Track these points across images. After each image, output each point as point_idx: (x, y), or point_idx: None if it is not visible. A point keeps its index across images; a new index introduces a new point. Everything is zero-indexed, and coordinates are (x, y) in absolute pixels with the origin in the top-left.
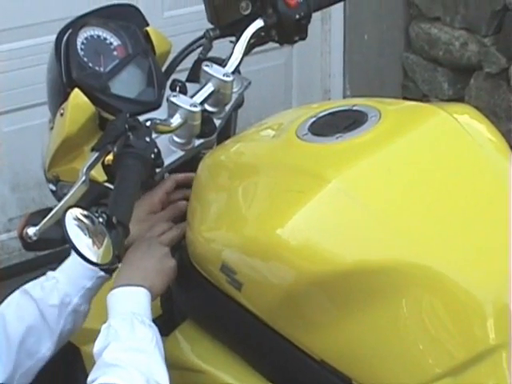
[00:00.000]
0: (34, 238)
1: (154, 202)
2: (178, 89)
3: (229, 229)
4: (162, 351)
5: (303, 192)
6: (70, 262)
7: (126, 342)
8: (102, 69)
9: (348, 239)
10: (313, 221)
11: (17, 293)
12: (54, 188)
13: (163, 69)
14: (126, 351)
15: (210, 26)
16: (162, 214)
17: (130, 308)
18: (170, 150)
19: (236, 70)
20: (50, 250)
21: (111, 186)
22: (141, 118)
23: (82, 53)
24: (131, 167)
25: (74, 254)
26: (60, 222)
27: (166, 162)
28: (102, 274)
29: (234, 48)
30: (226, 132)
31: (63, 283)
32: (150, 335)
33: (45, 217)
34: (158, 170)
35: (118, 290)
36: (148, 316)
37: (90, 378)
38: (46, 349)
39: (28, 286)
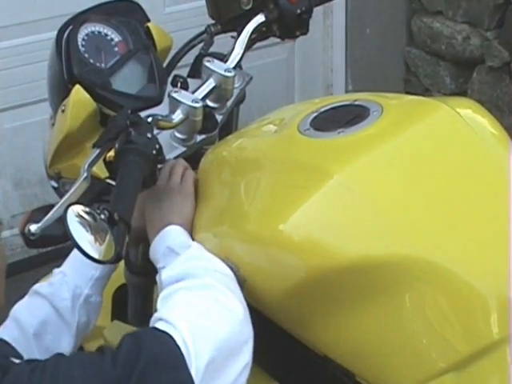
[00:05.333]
0: (36, 235)
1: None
2: (179, 84)
3: (231, 224)
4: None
5: (305, 187)
6: (74, 254)
7: (177, 262)
8: (103, 65)
9: (351, 234)
10: (315, 216)
11: (26, 296)
12: (55, 185)
13: (164, 64)
14: (185, 262)
15: (212, 21)
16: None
17: (166, 245)
18: (171, 146)
19: (237, 66)
20: (53, 246)
21: (113, 183)
22: (142, 114)
23: (82, 49)
24: (133, 163)
25: None
26: (62, 219)
27: (168, 158)
28: None
29: (235, 43)
30: (228, 127)
31: (71, 276)
32: (193, 251)
33: (47, 214)
34: (159, 166)
35: (152, 244)
36: (185, 244)
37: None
38: (66, 343)
39: (36, 287)
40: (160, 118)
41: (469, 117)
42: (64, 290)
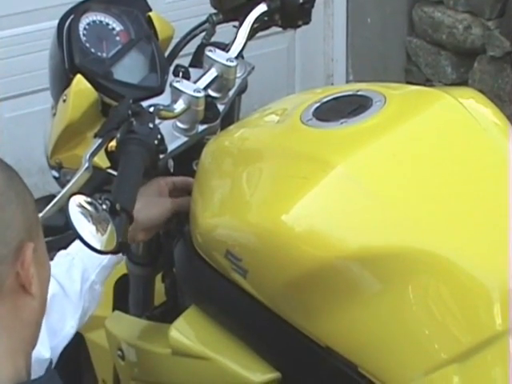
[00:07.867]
0: None
1: (161, 185)
2: (181, 74)
3: (233, 215)
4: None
5: (308, 178)
6: None
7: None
8: (104, 54)
9: (353, 225)
10: (317, 207)
11: None
12: (56, 175)
13: (166, 54)
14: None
15: (213, 10)
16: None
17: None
18: (173, 136)
19: (239, 55)
20: (54, 236)
21: (114, 173)
22: (144, 104)
23: (84, 38)
24: (134, 154)
25: None
26: (63, 209)
27: (170, 147)
28: None
29: (237, 33)
30: (230, 117)
31: (80, 259)
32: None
33: (48, 204)
34: (161, 156)
35: None
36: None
37: None
38: (69, 326)
39: None
40: (162, 107)
41: (471, 107)
42: (74, 272)
